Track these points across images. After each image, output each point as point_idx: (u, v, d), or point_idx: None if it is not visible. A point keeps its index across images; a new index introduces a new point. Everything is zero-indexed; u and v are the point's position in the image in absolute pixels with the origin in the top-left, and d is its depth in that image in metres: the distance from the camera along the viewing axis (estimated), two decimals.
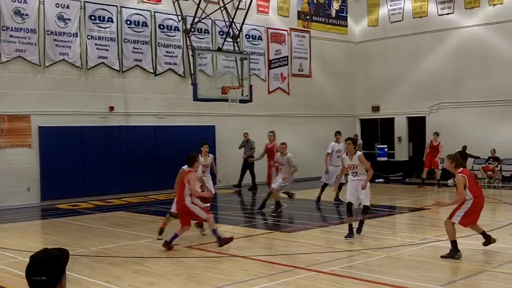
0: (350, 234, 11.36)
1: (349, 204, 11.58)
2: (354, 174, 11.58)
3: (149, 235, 12.16)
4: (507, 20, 23.14)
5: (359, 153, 11.71)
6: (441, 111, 25.20)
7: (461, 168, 9.76)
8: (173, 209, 11.66)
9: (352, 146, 11.59)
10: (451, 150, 23.25)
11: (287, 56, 25.11)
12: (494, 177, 22.29)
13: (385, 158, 26.41)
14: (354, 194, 11.55)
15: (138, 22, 20.42)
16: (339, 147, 16.95)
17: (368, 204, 11.63)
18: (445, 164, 11.96)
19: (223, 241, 10.54)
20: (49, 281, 3.02)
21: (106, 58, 19.60)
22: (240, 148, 21.54)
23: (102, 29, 19.54)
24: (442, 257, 9.47)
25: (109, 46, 19.66)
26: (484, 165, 22.93)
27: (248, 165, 21.07)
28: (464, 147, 23.24)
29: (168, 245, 10.52)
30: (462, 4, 24.57)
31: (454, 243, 9.52)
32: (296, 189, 21.26)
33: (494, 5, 23.68)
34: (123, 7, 20.02)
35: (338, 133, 17.48)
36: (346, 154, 11.73)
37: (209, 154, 13.85)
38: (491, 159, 22.53)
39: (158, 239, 11.37)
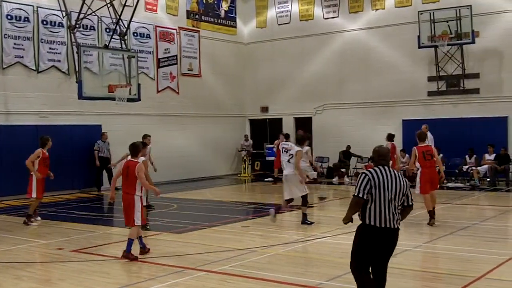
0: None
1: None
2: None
3: (32, 240, 11.68)
4: (387, 24, 24.28)
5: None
6: (326, 111, 26.03)
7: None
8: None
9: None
10: (336, 149, 24.19)
11: (176, 55, 24.96)
12: None
13: (273, 158, 26.84)
14: None
15: (20, 17, 19.54)
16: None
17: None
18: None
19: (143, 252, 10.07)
20: None
21: None
22: (95, 149, 20.99)
23: None
24: None
25: None
26: (366, 164, 23.88)
27: (105, 167, 20.64)
28: (348, 147, 24.17)
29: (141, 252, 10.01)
30: (346, 8, 25.50)
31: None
32: (186, 189, 21.25)
33: (377, 9, 24.78)
34: (3, 1, 19.07)
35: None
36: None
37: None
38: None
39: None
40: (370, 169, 6.35)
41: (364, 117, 24.68)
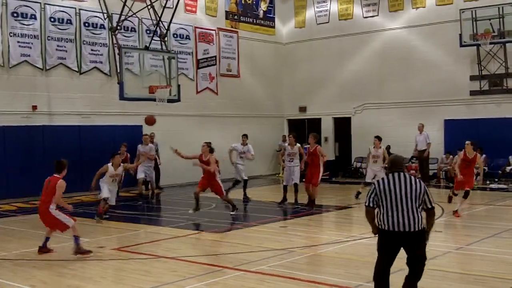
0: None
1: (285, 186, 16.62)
2: (291, 160, 16.47)
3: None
4: (429, 23, 23.95)
5: (298, 144, 16.59)
6: (366, 111, 25.82)
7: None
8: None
9: (293, 139, 16.58)
10: None
11: (215, 56, 25.09)
12: (417, 176, 22.98)
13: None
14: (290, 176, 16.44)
15: (62, 19, 19.91)
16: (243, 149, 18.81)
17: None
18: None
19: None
20: None
21: (29, 56, 19.04)
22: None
23: (25, 26, 18.96)
24: None
25: (32, 43, 19.10)
26: (407, 165, 23.61)
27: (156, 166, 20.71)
28: (388, 147, 23.84)
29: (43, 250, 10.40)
30: (386, 7, 25.25)
31: None
32: (224, 189, 21.28)
33: (417, 8, 24.46)
34: (47, 4, 19.48)
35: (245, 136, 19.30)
36: (288, 145, 16.62)
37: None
38: (414, 158, 23.22)
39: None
40: (380, 178, 6.78)
41: (405, 117, 24.35)
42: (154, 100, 18.10)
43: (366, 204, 6.65)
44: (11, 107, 18.60)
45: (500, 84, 22.43)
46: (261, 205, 17.09)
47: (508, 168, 20.98)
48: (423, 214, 6.56)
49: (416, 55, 24.34)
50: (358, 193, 17.43)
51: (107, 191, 14.03)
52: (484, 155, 21.49)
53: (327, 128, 26.89)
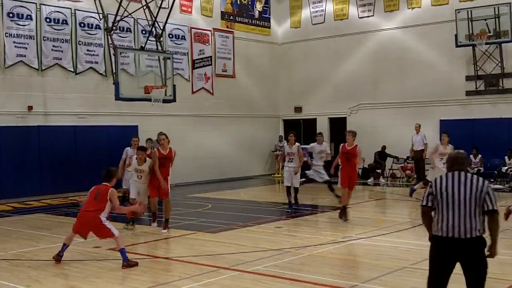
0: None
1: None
2: (290, 161, 16.08)
3: None
4: (424, 23, 23.99)
5: (298, 143, 16.13)
6: (361, 112, 25.84)
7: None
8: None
9: (293, 138, 16.03)
10: (371, 149, 24.00)
11: (210, 56, 25.09)
12: (412, 176, 23.02)
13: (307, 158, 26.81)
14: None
15: (58, 19, 19.89)
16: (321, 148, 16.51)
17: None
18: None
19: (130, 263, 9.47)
20: None
21: (25, 56, 19.02)
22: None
23: (21, 27, 18.93)
24: None
25: (28, 44, 19.07)
26: (402, 165, 23.66)
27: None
28: (383, 147, 23.95)
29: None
30: (382, 7, 25.28)
31: None
32: (220, 189, 21.32)
33: (413, 8, 24.50)
34: (43, 4, 19.46)
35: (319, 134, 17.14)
36: (288, 144, 16.20)
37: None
38: (409, 159, 23.25)
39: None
40: (438, 176, 5.93)
41: (400, 118, 24.39)
42: (150, 100, 18.09)
43: (423, 203, 5.83)
44: (7, 108, 18.57)
45: (496, 84, 22.47)
46: (256, 206, 17.08)
47: (504, 168, 21.00)
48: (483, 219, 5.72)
49: (412, 55, 24.38)
50: (413, 190, 16.29)
51: (135, 192, 12.94)
52: (480, 156, 21.54)
53: (323, 128, 26.82)
